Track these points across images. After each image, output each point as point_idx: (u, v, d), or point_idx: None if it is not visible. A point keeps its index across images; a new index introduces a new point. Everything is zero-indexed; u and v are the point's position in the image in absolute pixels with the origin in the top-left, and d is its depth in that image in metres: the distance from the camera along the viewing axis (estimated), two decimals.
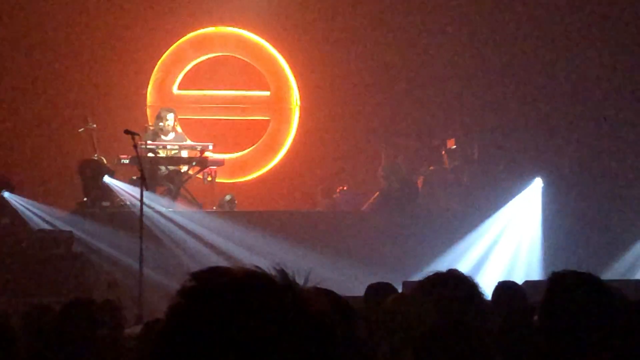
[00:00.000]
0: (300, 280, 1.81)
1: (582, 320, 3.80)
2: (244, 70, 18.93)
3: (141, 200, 12.87)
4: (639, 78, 17.90)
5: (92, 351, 5.14)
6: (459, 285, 4.23)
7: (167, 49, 18.76)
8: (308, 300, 1.78)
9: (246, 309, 1.73)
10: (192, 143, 16.72)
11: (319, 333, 1.76)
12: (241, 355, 1.70)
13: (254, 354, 1.71)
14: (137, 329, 10.57)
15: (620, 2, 18.06)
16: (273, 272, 1.79)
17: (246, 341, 1.71)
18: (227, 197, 16.89)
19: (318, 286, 1.86)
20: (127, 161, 15.47)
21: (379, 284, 7.01)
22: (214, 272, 1.79)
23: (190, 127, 18.34)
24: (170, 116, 16.31)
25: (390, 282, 7.12)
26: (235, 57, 18.96)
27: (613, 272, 15.05)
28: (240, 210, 16.64)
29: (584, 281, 3.95)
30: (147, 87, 18.71)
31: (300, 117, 18.86)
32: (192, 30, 18.81)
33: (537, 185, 16.45)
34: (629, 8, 17.99)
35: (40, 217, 15.41)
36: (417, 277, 7.65)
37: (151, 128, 16.39)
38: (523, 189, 16.37)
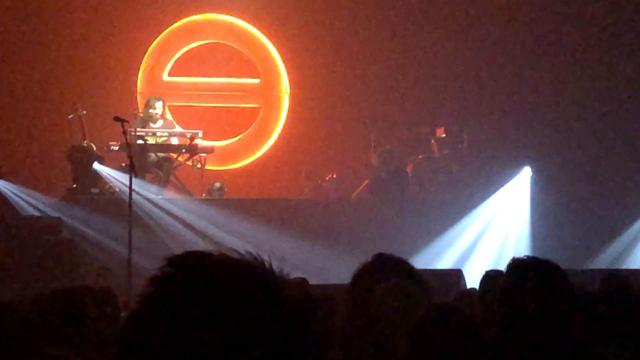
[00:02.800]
0: (276, 267, 1.79)
1: (539, 306, 3.82)
2: (234, 58, 18.92)
3: (130, 187, 12.87)
4: (628, 68, 17.93)
5: (86, 338, 5.15)
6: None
7: (158, 36, 18.72)
8: (284, 287, 1.76)
9: (220, 293, 1.70)
10: (182, 130, 16.72)
11: (295, 319, 1.75)
12: (215, 341, 1.68)
13: (227, 339, 1.68)
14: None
15: None
16: (248, 258, 1.77)
17: (220, 326, 1.68)
18: (217, 185, 16.89)
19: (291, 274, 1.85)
20: (116, 148, 15.47)
21: (363, 270, 6.98)
22: (187, 258, 1.78)
23: (180, 114, 18.33)
24: (159, 104, 16.31)
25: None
26: (225, 44, 18.94)
27: (601, 261, 15.11)
28: (230, 198, 16.65)
29: (542, 268, 3.97)
30: (137, 73, 18.68)
31: (289, 104, 18.86)
32: (183, 18, 18.78)
33: (525, 174, 16.50)
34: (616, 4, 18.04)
35: (29, 203, 15.39)
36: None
37: (141, 115, 16.38)
38: (512, 178, 16.41)
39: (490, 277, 6.62)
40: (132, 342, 1.72)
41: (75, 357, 4.99)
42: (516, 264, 4.01)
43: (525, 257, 4.07)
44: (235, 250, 1.79)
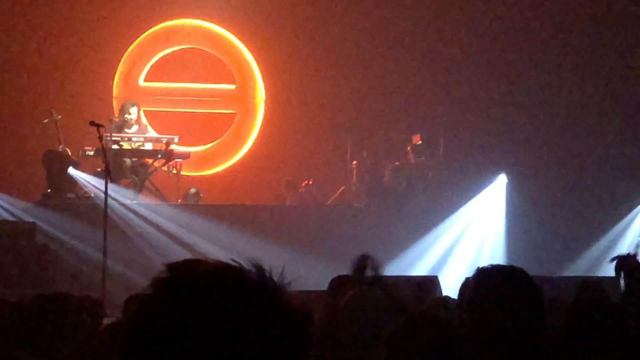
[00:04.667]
0: (276, 276, 1.81)
1: (506, 313, 3.83)
2: (210, 63, 18.90)
3: (106, 192, 12.81)
4: (606, 75, 18.01)
5: (65, 345, 5.10)
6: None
7: (134, 41, 18.67)
8: (284, 296, 1.78)
9: (219, 301, 1.72)
10: (158, 135, 16.68)
11: (295, 328, 1.76)
12: (214, 345, 1.70)
13: (226, 344, 1.70)
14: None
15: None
16: (249, 267, 1.79)
17: (218, 332, 1.70)
18: (192, 190, 16.85)
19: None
20: (92, 153, 15.42)
21: (340, 277, 6.99)
22: (187, 264, 1.79)
23: (156, 120, 18.29)
24: (134, 109, 16.27)
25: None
26: (201, 49, 18.91)
27: (576, 269, 15.16)
28: (205, 204, 16.62)
29: (506, 275, 3.98)
30: (113, 78, 18.62)
31: (265, 111, 18.85)
32: (159, 22, 18.74)
33: (501, 181, 16.54)
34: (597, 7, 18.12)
35: (3, 207, 15.31)
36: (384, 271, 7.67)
37: (116, 120, 16.33)
38: (487, 185, 16.45)
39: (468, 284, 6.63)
40: (132, 347, 1.73)
41: None
42: (480, 273, 4.01)
43: (489, 266, 4.08)
44: (234, 260, 1.80)
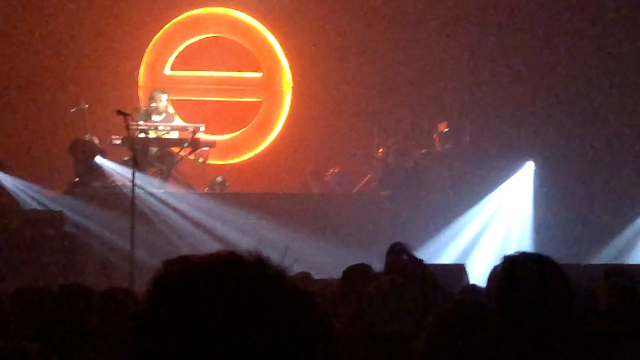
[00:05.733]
0: (280, 261, 1.81)
1: (536, 301, 3.82)
2: (236, 52, 18.89)
3: (133, 181, 12.85)
4: (633, 64, 17.88)
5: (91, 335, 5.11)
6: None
7: (160, 30, 18.70)
8: (283, 279, 1.78)
9: (218, 291, 1.73)
10: (184, 124, 16.70)
11: (295, 311, 1.76)
12: (217, 335, 1.71)
13: (228, 332, 1.71)
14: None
15: None
16: (248, 254, 1.79)
17: (221, 321, 1.71)
18: (219, 179, 16.87)
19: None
20: (119, 142, 15.43)
21: (355, 265, 6.98)
22: (183, 258, 1.81)
23: (182, 108, 18.32)
24: (164, 97, 16.29)
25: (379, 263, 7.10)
26: (227, 38, 18.91)
27: (603, 256, 15.09)
28: (232, 192, 16.62)
29: (533, 263, 3.97)
30: (139, 67, 18.65)
31: (292, 98, 18.83)
32: (185, 11, 18.75)
33: (528, 168, 16.46)
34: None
35: (31, 196, 15.38)
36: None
37: (143, 109, 16.36)
38: (515, 172, 16.38)
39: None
40: (140, 341, 1.76)
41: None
42: (508, 261, 4.00)
43: (516, 254, 4.06)
44: (230, 250, 1.81)
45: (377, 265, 7.22)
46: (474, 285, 7.24)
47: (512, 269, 3.96)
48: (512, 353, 3.73)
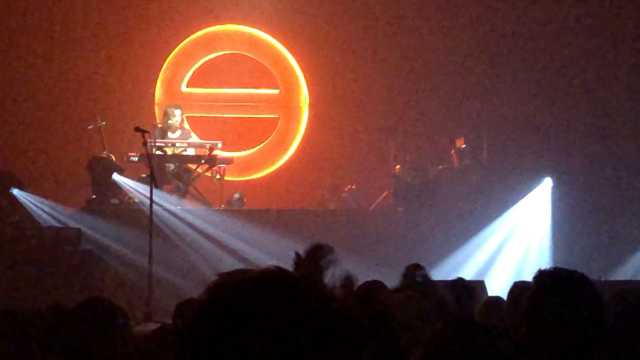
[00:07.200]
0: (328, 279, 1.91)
1: (569, 317, 3.78)
2: (253, 68, 18.92)
3: (151, 198, 12.86)
4: None
5: (106, 350, 5.09)
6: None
7: (176, 47, 18.75)
8: (331, 296, 1.86)
9: (270, 304, 1.80)
10: (201, 141, 16.73)
11: (341, 329, 1.82)
12: (266, 347, 1.77)
13: (278, 346, 1.77)
14: (147, 326, 10.54)
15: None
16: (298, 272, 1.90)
17: (270, 334, 1.77)
18: (236, 195, 16.88)
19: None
20: (136, 159, 15.47)
21: (369, 282, 6.99)
22: (238, 272, 1.88)
23: (199, 125, 18.35)
24: (178, 112, 16.34)
25: (395, 280, 7.09)
26: (244, 55, 18.94)
27: (622, 273, 15.02)
28: (249, 209, 16.63)
29: (571, 279, 3.92)
30: (155, 85, 18.70)
31: (309, 115, 18.84)
32: (201, 29, 18.80)
33: (546, 184, 16.41)
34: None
35: (49, 214, 15.42)
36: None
37: (159, 126, 16.40)
38: (532, 189, 16.33)
39: (519, 289, 6.57)
40: (188, 350, 1.82)
41: None
42: (544, 275, 3.95)
43: (552, 269, 4.01)
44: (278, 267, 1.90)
45: (394, 282, 7.21)
46: (499, 297, 7.22)
47: (546, 283, 3.92)
48: None
